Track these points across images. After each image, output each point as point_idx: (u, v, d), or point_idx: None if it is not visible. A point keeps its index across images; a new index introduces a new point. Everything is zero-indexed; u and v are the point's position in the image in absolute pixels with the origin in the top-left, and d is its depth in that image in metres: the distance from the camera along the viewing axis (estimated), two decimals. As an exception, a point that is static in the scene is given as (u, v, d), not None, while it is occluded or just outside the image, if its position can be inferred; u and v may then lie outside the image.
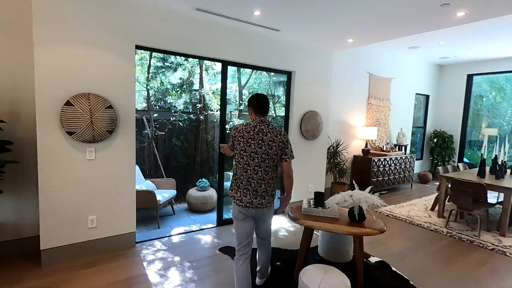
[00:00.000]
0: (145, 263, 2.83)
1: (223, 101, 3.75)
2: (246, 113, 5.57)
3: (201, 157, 5.15)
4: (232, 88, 6.06)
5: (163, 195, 3.98)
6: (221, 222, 3.87)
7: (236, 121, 5.48)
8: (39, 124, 2.55)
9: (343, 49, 4.51)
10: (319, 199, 2.58)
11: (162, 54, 4.82)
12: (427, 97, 7.27)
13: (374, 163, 5.38)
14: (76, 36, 2.64)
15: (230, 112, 5.84)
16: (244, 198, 2.11)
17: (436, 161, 7.17)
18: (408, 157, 6.10)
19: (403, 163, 5.99)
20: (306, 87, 4.39)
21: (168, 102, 4.98)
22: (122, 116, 2.95)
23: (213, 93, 5.38)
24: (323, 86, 4.60)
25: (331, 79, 4.70)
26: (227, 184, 4.32)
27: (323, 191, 4.82)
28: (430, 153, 7.42)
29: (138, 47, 3.03)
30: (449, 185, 4.29)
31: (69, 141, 2.70)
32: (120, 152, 2.97)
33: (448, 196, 4.36)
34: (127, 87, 2.95)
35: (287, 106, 4.36)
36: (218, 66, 5.21)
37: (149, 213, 4.22)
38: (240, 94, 5.87)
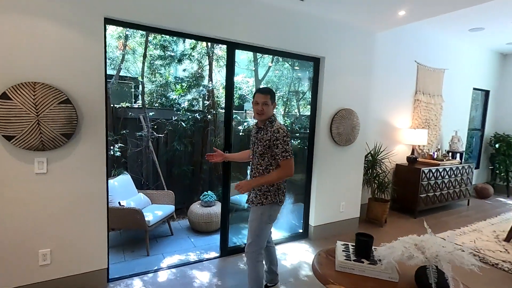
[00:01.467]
0: (110, 320, 2.04)
1: (229, 95, 2.88)
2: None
3: (209, 165, 4.32)
4: (249, 83, 5.18)
5: (155, 213, 3.19)
6: (226, 251, 3.00)
7: (252, 122, 4.59)
8: (-37, 125, 1.84)
9: (389, 27, 3.45)
10: (364, 247, 1.61)
11: (162, 40, 4.04)
12: (487, 93, 5.95)
13: (423, 175, 4.26)
14: (18, 4, 1.90)
15: (246, 110, 4.97)
16: (284, 198, 2.17)
17: (498, 171, 5.84)
18: (466, 167, 4.89)
19: (459, 175, 4.80)
20: (339, 78, 3.40)
21: (171, 98, 4.19)
22: (87, 114, 2.17)
23: (224, 88, 4.53)
24: (362, 76, 3.57)
25: (371, 68, 3.66)
26: (233, 198, 3.48)
27: (360, 220, 3.80)
28: (489, 161, 6.08)
29: (109, 20, 2.23)
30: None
31: (9, 149, 1.96)
32: (85, 163, 2.20)
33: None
34: (93, 74, 2.17)
35: (314, 103, 3.39)
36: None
37: (139, 233, 3.46)
38: (258, 89, 4.96)
